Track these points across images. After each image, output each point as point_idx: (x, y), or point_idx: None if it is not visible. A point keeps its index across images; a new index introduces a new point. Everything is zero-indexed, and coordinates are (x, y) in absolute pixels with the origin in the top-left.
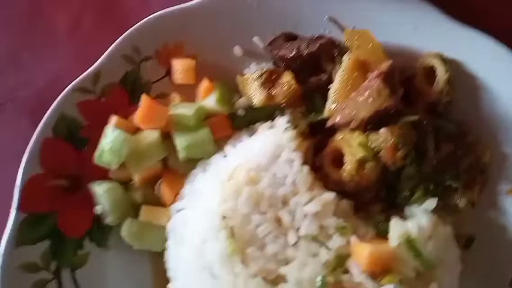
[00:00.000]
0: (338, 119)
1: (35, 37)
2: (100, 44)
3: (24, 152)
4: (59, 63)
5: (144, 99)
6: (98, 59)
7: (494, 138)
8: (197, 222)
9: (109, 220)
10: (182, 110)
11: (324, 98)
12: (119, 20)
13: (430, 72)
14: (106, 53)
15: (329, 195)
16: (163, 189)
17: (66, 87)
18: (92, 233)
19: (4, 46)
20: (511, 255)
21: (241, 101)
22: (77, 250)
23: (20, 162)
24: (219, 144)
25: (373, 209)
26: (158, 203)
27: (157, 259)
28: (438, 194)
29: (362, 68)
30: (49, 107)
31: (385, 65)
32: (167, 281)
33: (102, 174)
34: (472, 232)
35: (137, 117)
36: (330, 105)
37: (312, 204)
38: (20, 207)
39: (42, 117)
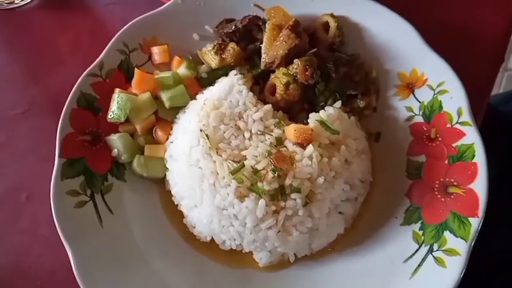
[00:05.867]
0: (266, 59)
1: (47, 58)
2: (93, 57)
3: (50, 141)
4: (66, 75)
5: (137, 72)
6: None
7: (377, 60)
8: (184, 140)
9: (123, 159)
10: (163, 74)
11: (260, 58)
12: (105, 38)
13: (326, 26)
14: (106, 48)
15: (268, 106)
16: (158, 133)
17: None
18: (112, 170)
19: (24, 66)
20: (405, 141)
21: (203, 67)
22: (104, 182)
23: (50, 148)
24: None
25: (301, 117)
26: (156, 142)
27: (161, 185)
28: (343, 100)
29: (278, 28)
30: (64, 106)
31: (291, 21)
32: (170, 198)
33: (114, 129)
34: (378, 130)
35: (134, 84)
36: (263, 59)
37: (258, 113)
38: (61, 155)
39: (61, 114)
